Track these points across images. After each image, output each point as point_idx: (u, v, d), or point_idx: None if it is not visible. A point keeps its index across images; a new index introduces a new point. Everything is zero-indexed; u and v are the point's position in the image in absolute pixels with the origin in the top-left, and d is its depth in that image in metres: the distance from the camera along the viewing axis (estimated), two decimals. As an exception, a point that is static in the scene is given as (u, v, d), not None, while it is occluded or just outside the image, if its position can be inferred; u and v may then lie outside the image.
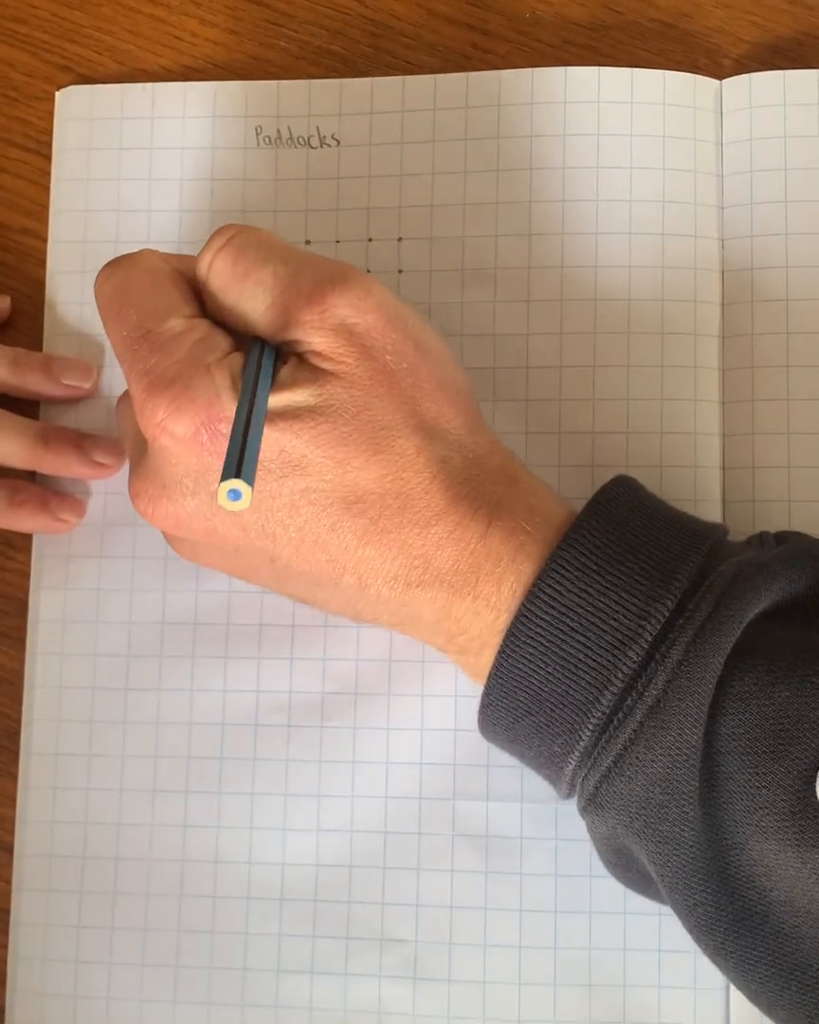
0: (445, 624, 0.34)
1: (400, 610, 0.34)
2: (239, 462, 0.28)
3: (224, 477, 0.28)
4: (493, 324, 0.42)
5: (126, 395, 0.37)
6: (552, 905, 0.39)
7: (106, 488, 0.42)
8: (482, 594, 0.33)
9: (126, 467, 0.42)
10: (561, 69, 0.43)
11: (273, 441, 0.32)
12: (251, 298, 0.33)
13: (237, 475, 0.28)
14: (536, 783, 0.39)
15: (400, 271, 0.43)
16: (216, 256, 0.34)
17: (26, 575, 0.42)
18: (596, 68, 0.43)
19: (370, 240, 0.43)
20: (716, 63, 0.44)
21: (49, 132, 0.44)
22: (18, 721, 0.41)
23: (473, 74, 0.43)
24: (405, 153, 0.43)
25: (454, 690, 0.40)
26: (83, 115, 0.44)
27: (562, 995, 0.38)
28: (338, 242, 0.43)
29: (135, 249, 0.43)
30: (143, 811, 0.40)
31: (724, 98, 0.43)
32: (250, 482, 0.28)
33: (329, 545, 0.33)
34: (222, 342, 0.33)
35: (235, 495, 0.28)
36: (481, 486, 0.33)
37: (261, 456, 0.32)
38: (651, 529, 0.33)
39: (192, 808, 0.40)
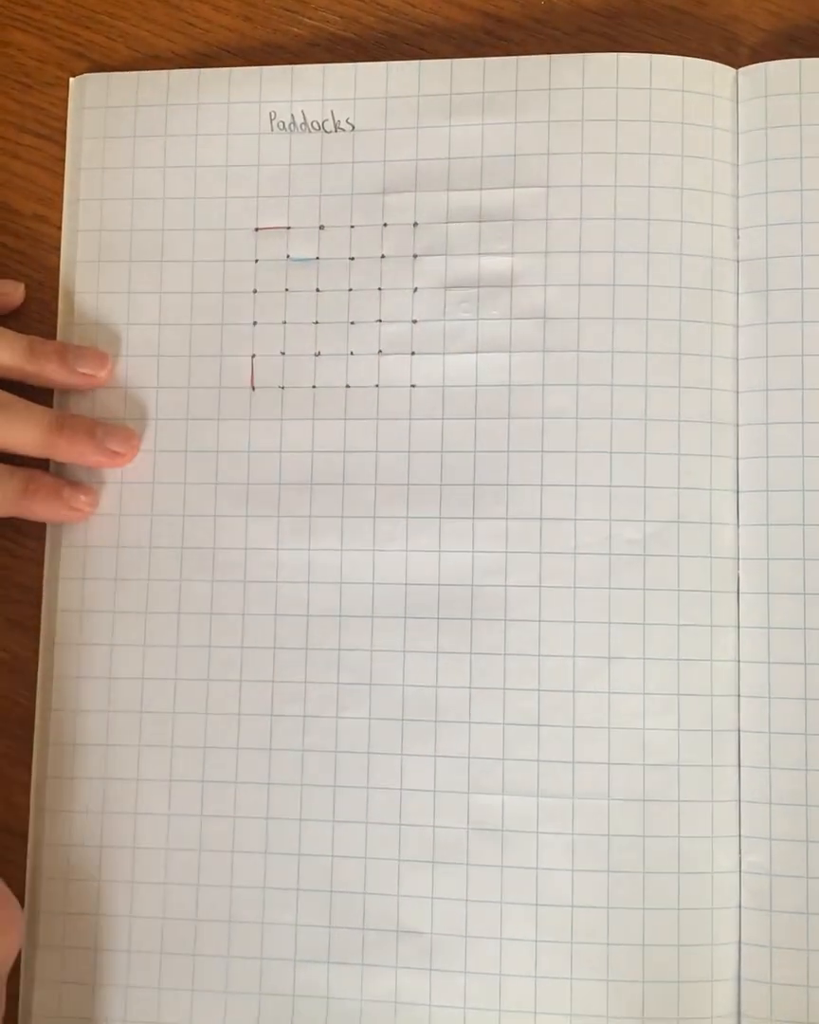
0: None
1: None
2: None
3: None
4: (510, 308, 0.38)
5: None
6: (569, 900, 0.35)
7: (122, 477, 0.38)
8: None
9: (142, 456, 0.38)
10: (579, 55, 0.39)
11: None
12: None
13: None
14: (553, 778, 0.35)
15: (415, 256, 0.39)
16: None
17: (39, 563, 0.38)
18: (615, 54, 0.38)
19: (385, 225, 0.39)
20: (732, 51, 0.40)
21: (62, 118, 0.40)
22: (32, 709, 0.38)
23: (490, 60, 0.39)
24: (421, 138, 0.39)
25: (468, 682, 0.36)
26: (98, 103, 0.40)
27: (579, 989, 0.35)
28: (353, 227, 0.39)
29: (151, 237, 0.39)
30: (160, 801, 0.37)
31: (740, 86, 0.38)
32: None
33: None
34: None
35: None
36: None
37: None
38: None
39: (208, 798, 0.37)
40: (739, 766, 0.36)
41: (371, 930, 0.36)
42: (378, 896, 0.36)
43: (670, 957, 0.35)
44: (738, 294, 0.37)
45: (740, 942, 0.35)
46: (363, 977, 0.36)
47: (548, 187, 0.38)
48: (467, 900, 0.35)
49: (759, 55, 0.39)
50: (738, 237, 0.38)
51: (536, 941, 0.35)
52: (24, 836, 0.37)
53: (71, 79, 0.40)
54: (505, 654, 0.36)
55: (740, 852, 0.35)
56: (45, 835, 0.37)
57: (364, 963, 0.36)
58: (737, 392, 0.37)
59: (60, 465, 0.38)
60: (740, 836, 0.35)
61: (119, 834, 0.37)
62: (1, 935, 0.33)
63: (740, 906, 0.35)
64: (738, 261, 0.38)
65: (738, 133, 0.38)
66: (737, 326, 0.37)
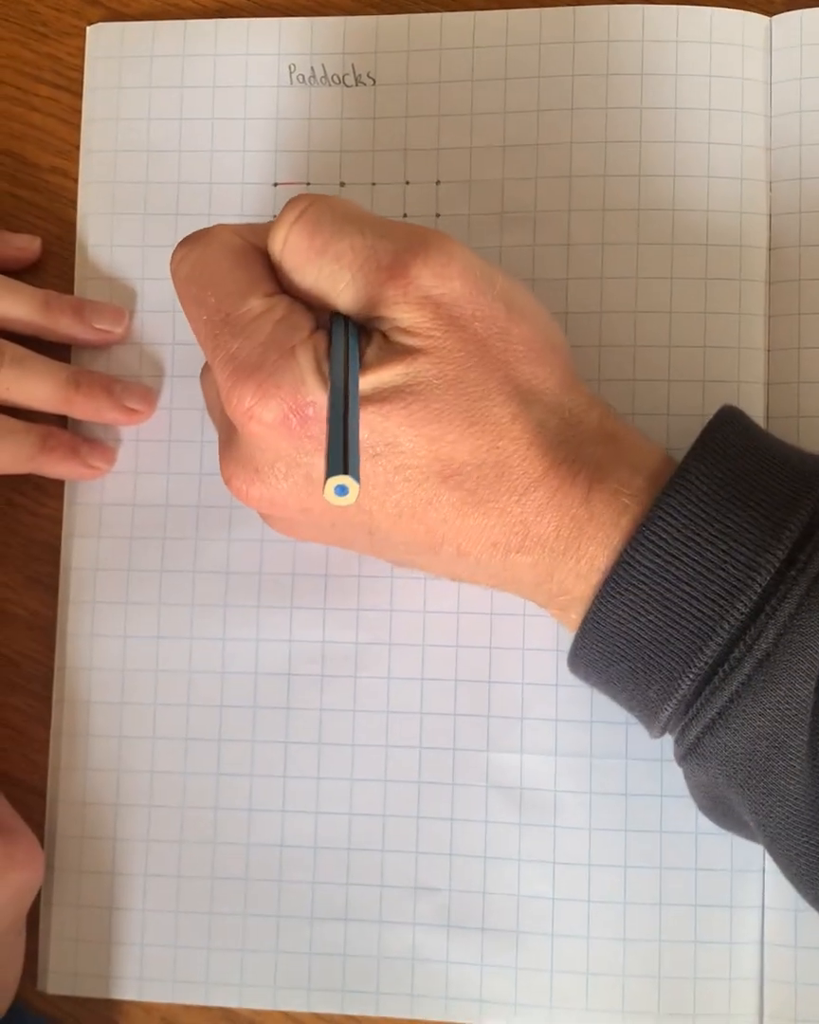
0: (546, 585, 0.30)
1: (501, 574, 0.31)
2: (344, 457, 0.25)
3: (329, 473, 0.25)
4: (532, 268, 0.37)
5: (210, 369, 0.33)
6: (586, 859, 0.35)
7: (138, 435, 0.38)
8: (585, 556, 0.29)
9: (158, 414, 0.38)
10: (604, 8, 0.38)
11: (363, 423, 0.28)
12: (329, 276, 0.29)
13: (343, 471, 0.25)
14: (571, 737, 0.35)
15: (438, 215, 0.38)
16: (290, 232, 0.30)
17: (58, 521, 0.38)
18: (641, 6, 0.38)
19: (407, 183, 0.38)
20: (767, 0, 0.39)
21: (80, 69, 0.39)
22: (51, 667, 0.38)
23: (513, 12, 0.38)
24: (443, 93, 0.38)
25: (488, 642, 0.36)
26: (113, 53, 0.39)
27: (595, 948, 0.35)
28: (374, 184, 0.38)
29: (166, 190, 0.38)
30: (176, 759, 0.37)
31: (774, 35, 0.37)
32: (356, 477, 0.25)
33: (427, 517, 0.30)
34: (304, 321, 0.30)
35: (342, 491, 0.25)
36: (580, 447, 0.30)
37: None
38: (759, 471, 0.29)
39: (225, 757, 0.36)
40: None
41: (389, 887, 0.36)
42: (396, 853, 0.36)
43: (687, 917, 0.35)
44: (769, 250, 0.37)
45: (763, 907, 0.35)
46: (380, 934, 0.35)
47: (572, 142, 0.37)
48: (485, 857, 0.35)
49: (794, 2, 0.38)
50: (770, 191, 0.37)
51: (553, 899, 0.35)
52: (43, 794, 0.37)
53: (87, 28, 0.39)
54: (524, 615, 0.36)
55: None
56: (61, 793, 0.37)
57: (381, 920, 0.36)
58: (767, 350, 0.36)
59: (77, 422, 0.38)
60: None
61: (134, 792, 0.37)
62: (21, 869, 0.33)
63: (764, 870, 0.35)
64: (770, 216, 0.37)
65: (771, 84, 0.37)
66: (768, 283, 0.36)
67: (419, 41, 0.39)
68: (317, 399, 0.28)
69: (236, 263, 0.30)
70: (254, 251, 0.31)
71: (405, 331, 0.29)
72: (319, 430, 0.29)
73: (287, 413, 0.28)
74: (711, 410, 0.33)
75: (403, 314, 0.29)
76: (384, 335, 0.29)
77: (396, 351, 0.29)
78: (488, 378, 0.29)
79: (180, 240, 0.32)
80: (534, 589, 0.31)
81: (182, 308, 0.31)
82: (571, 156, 0.37)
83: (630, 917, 0.35)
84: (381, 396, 0.28)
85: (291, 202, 0.30)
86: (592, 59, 0.38)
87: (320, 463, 0.29)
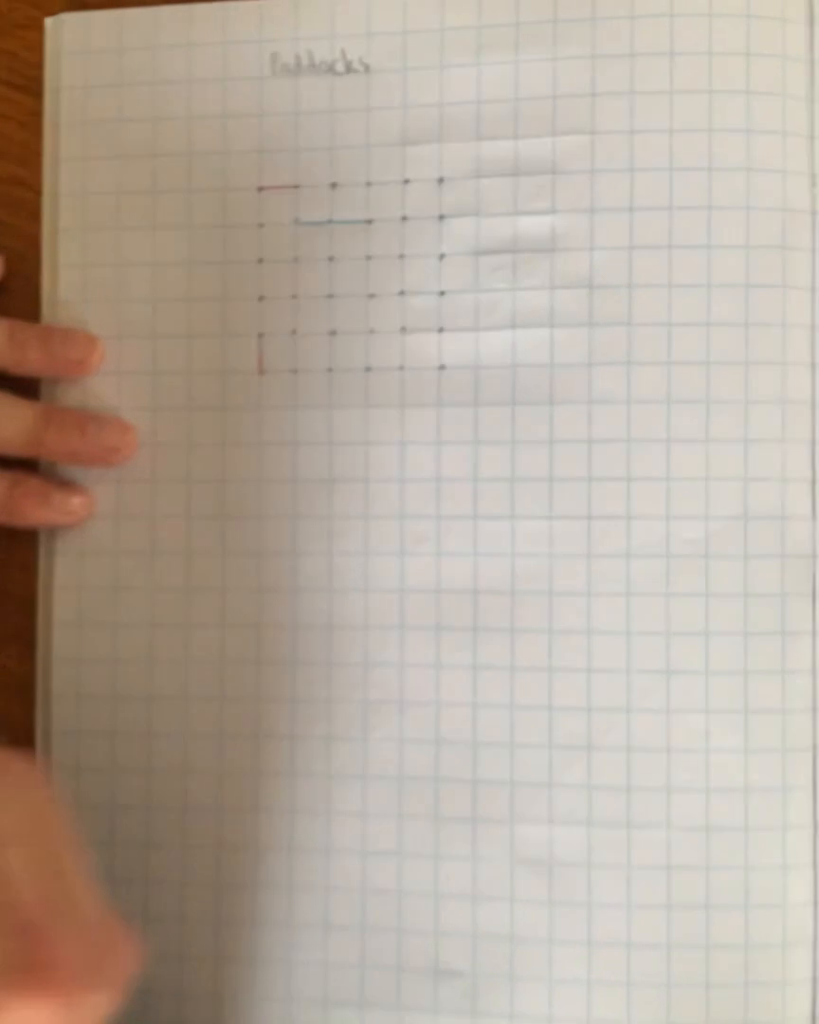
0: None
1: None
2: None
3: None
4: (551, 277, 0.33)
5: None
6: (626, 938, 0.32)
7: (118, 476, 0.34)
8: None
9: (140, 451, 0.34)
10: (625, -25, 0.33)
11: None
12: None
13: None
14: (607, 804, 0.32)
15: (441, 217, 0.34)
16: None
17: (32, 572, 0.35)
18: (666, -27, 0.33)
19: (406, 182, 0.34)
20: (805, -36, 0.34)
21: (38, 66, 0.35)
22: (31, 728, 0.34)
23: (522, -16, 0.34)
24: (445, 79, 0.34)
25: (510, 700, 0.33)
26: (78, 47, 0.35)
27: (637, 1036, 0.32)
28: (369, 184, 0.34)
29: (141, 201, 0.35)
30: (173, 830, 0.34)
31: (816, 8, 0.33)
32: None
33: None
34: None
35: None
36: None
37: None
38: None
39: (225, 826, 0.33)
40: (815, 788, 0.32)
41: (407, 970, 0.33)
42: (414, 934, 0.33)
43: (737, 998, 0.31)
44: (815, 252, 0.33)
45: (815, 980, 0.32)
46: (400, 1020, 0.32)
47: (593, 134, 0.33)
48: (512, 938, 0.32)
49: (836, -30, 0.34)
50: (815, 185, 0.33)
51: (589, 982, 0.32)
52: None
53: (46, 20, 0.35)
54: (550, 669, 0.32)
55: (815, 883, 0.32)
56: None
57: (400, 1006, 0.33)
58: (814, 366, 0.32)
59: (50, 464, 0.35)
60: (816, 865, 0.32)
61: (130, 866, 0.34)
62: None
63: (816, 942, 0.32)
64: (815, 214, 0.33)
65: (815, 64, 0.33)
66: (814, 290, 0.32)
67: (417, 21, 0.34)
68: None
69: None
70: None
71: None
72: None
73: None
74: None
75: None
76: None
77: None
78: None
79: None
80: None
81: None
82: (593, 149, 0.33)
83: (675, 1001, 0.32)
84: None
85: None
86: (615, 37, 0.33)
87: None
